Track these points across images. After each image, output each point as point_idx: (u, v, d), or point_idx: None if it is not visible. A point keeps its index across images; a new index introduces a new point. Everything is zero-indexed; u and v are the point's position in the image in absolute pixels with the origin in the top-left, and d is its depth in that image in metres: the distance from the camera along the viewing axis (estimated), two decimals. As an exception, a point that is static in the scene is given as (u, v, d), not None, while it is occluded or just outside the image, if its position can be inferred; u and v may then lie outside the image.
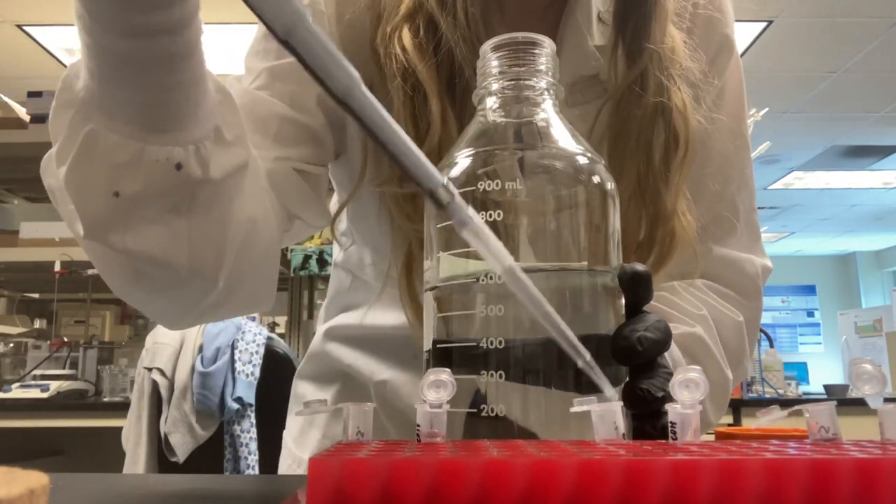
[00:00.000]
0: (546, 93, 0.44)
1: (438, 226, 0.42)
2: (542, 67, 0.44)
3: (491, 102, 0.44)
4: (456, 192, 0.34)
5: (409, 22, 0.58)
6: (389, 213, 0.61)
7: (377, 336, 0.71)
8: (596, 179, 0.42)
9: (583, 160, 0.43)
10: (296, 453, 0.77)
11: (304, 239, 2.87)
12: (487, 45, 0.44)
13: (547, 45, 0.44)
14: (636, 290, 0.42)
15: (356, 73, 0.32)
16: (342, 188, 0.73)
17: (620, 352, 0.40)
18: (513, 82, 0.44)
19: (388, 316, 0.69)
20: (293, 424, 0.80)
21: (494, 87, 0.44)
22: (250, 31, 0.66)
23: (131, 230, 0.44)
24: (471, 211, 0.34)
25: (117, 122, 0.41)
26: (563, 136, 0.44)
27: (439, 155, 0.56)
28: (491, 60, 0.44)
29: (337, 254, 0.80)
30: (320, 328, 0.80)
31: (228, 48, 3.27)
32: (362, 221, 0.70)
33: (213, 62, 0.59)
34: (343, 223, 0.75)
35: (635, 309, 0.42)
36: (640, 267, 0.42)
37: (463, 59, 0.57)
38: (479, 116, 0.45)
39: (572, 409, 0.34)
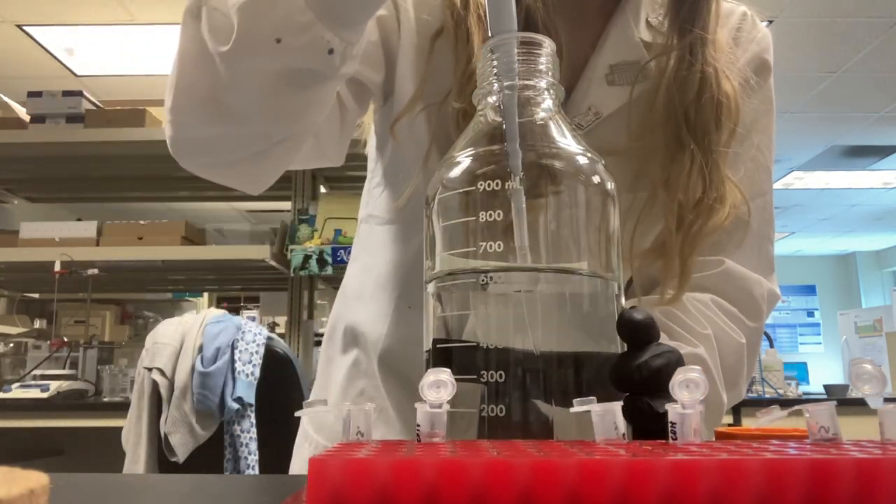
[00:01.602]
0: (546, 93, 0.44)
1: (439, 225, 0.42)
2: (543, 67, 0.44)
3: (491, 102, 0.44)
4: None
5: None
6: (442, 133, 0.65)
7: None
8: (596, 179, 0.42)
9: (583, 160, 0.43)
10: (306, 428, 0.80)
11: (306, 240, 2.88)
12: (487, 46, 0.44)
13: (547, 45, 0.44)
14: (634, 337, 0.41)
15: None
16: (391, 111, 0.74)
17: (616, 377, 0.40)
18: (513, 82, 0.44)
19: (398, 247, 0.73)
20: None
21: (495, 86, 0.44)
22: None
23: (257, 73, 0.52)
24: None
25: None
26: (564, 136, 0.44)
27: None
28: (491, 60, 0.44)
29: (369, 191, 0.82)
30: (335, 308, 0.84)
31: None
32: (407, 143, 0.70)
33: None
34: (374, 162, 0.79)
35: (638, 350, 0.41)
36: (638, 315, 0.41)
37: (541, 18, 0.63)
38: (479, 116, 0.45)
39: (572, 410, 0.34)
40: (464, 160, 0.43)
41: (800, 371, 4.55)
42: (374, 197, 0.78)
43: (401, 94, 0.69)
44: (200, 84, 0.55)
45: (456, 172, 0.42)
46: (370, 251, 0.78)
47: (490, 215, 0.40)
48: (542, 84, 0.44)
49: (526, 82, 0.44)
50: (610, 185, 0.43)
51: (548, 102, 0.44)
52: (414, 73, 0.67)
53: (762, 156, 0.73)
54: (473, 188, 0.41)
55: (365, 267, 0.78)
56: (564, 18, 0.64)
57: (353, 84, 0.68)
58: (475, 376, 0.39)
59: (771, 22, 3.48)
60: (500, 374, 0.38)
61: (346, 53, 0.52)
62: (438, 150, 0.64)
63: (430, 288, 0.43)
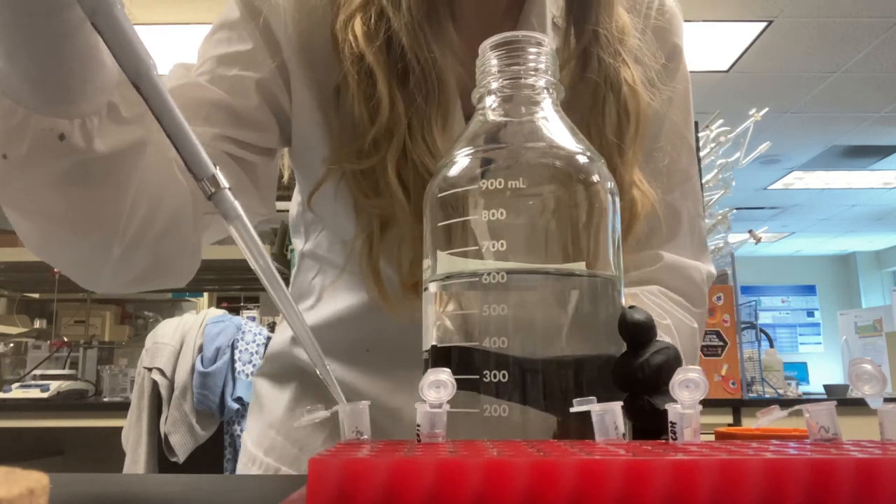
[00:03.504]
0: (545, 91, 0.44)
1: (438, 224, 0.42)
2: (542, 66, 0.44)
3: (490, 101, 0.44)
4: (225, 184, 0.39)
5: (362, 12, 0.61)
6: (349, 191, 0.63)
7: (331, 323, 0.72)
8: (595, 178, 0.42)
9: (583, 159, 0.43)
10: (252, 451, 0.77)
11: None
12: (487, 44, 0.44)
13: (546, 45, 0.44)
14: (635, 338, 0.41)
15: (151, 60, 0.38)
16: (303, 176, 0.73)
17: (620, 378, 0.40)
18: (512, 81, 0.44)
19: (346, 297, 0.71)
20: (253, 425, 0.80)
21: (494, 85, 0.44)
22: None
23: (26, 191, 0.47)
24: (237, 204, 0.39)
25: (10, 91, 0.43)
26: (563, 135, 0.44)
27: (390, 136, 0.59)
28: (490, 59, 0.44)
29: (302, 245, 0.79)
30: (280, 328, 0.81)
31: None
32: (324, 205, 0.68)
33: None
34: (300, 212, 0.77)
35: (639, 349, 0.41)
36: (638, 315, 0.40)
37: (409, 48, 0.59)
38: (478, 115, 0.45)
39: (572, 409, 0.34)
40: (463, 159, 0.43)
41: (800, 371, 4.55)
42: (315, 235, 0.76)
43: (307, 150, 0.67)
44: (22, 229, 0.52)
45: (455, 171, 0.42)
46: (321, 294, 0.75)
47: (491, 214, 0.40)
48: (542, 83, 0.44)
49: (525, 81, 0.44)
50: (610, 185, 0.43)
51: (547, 101, 0.44)
52: (321, 133, 0.65)
53: (681, 134, 0.72)
54: (474, 187, 0.41)
55: (317, 310, 0.75)
56: (471, 35, 0.59)
57: (244, 146, 0.63)
58: (476, 376, 0.39)
59: (771, 22, 3.48)
60: (503, 374, 0.38)
61: (86, 127, 0.45)
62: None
63: (431, 288, 0.43)
